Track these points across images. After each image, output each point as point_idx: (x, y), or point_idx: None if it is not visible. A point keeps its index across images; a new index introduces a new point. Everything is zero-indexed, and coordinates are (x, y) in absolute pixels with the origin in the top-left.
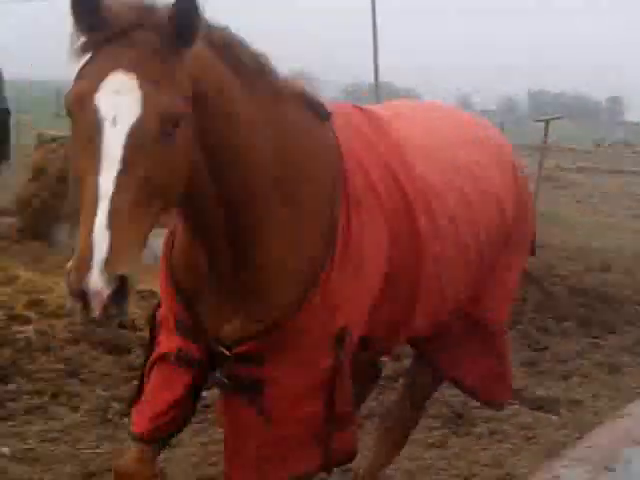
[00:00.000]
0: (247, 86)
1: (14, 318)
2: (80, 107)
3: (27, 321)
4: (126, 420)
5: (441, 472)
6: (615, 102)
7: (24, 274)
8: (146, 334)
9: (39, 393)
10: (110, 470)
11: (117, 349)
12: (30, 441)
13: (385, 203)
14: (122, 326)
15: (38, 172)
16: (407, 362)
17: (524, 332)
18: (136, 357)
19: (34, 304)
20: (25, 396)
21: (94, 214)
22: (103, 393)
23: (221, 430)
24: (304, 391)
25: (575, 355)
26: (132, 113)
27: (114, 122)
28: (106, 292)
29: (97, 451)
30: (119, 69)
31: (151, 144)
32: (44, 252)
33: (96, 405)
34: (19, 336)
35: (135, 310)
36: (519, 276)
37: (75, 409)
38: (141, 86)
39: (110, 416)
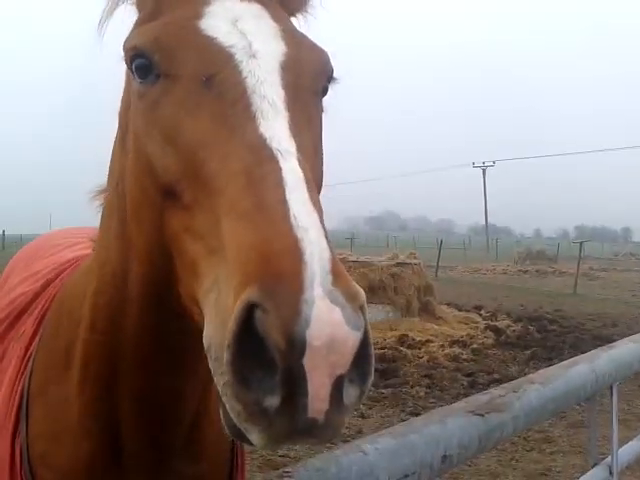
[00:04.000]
0: None
1: None
2: (179, 41)
3: None
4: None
5: None
6: (625, 230)
7: None
8: None
9: None
10: None
11: None
12: None
13: None
14: None
15: None
16: None
17: None
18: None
19: None
20: None
21: (280, 197)
22: None
23: None
24: None
25: None
26: (276, 46)
27: (253, 55)
28: (356, 339)
29: None
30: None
31: (308, 96)
32: None
33: None
34: None
35: None
36: None
37: None
38: (279, 19)
39: None
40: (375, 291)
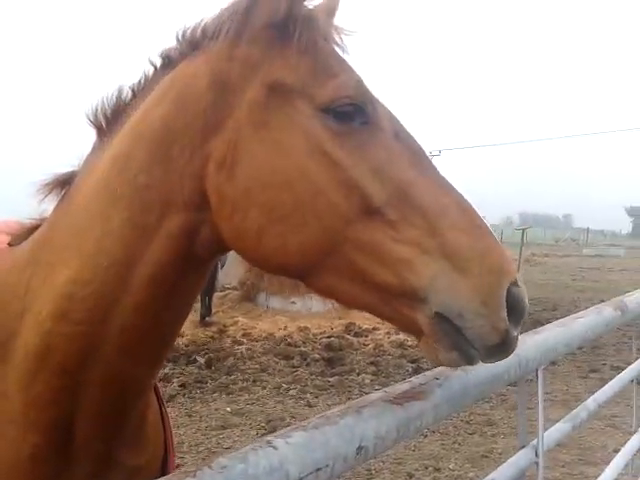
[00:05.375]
0: None
1: (235, 342)
2: (375, 99)
3: (241, 343)
4: (294, 393)
5: None
6: (567, 217)
7: (242, 319)
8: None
9: (246, 380)
10: (283, 419)
11: (288, 358)
12: (241, 403)
13: None
14: (289, 344)
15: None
16: None
17: None
18: (299, 362)
19: (246, 334)
20: (239, 380)
21: (481, 220)
22: (279, 380)
23: None
24: None
25: None
26: None
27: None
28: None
29: (274, 408)
30: None
31: None
32: (252, 308)
33: (275, 385)
34: (237, 350)
35: None
36: None
37: (264, 387)
38: None
39: (282, 391)
40: None
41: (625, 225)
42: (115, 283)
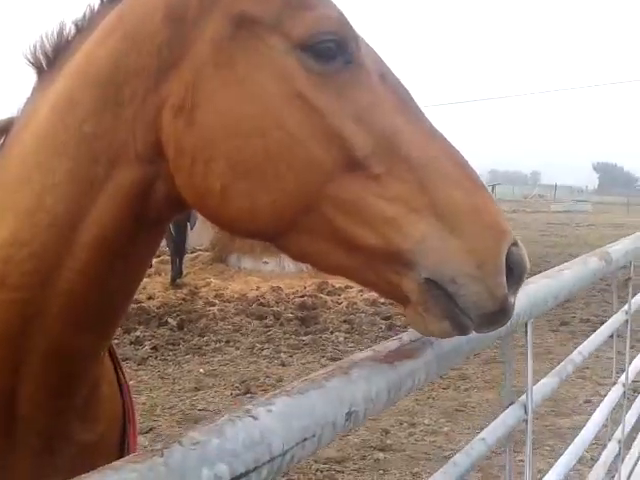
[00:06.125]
0: None
1: (207, 303)
2: (357, 35)
3: (213, 304)
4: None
5: None
6: (535, 173)
7: (213, 280)
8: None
9: (219, 341)
10: (257, 379)
11: (261, 318)
12: (214, 364)
13: None
14: (261, 304)
15: None
16: None
17: None
18: (272, 322)
19: (218, 296)
20: (212, 341)
21: (475, 173)
22: (252, 340)
23: None
24: None
25: None
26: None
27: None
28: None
29: (248, 369)
30: None
31: None
32: (224, 269)
33: (248, 345)
34: (209, 312)
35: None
36: None
37: (237, 348)
38: None
39: (256, 351)
40: None
41: (592, 181)
42: (57, 244)
